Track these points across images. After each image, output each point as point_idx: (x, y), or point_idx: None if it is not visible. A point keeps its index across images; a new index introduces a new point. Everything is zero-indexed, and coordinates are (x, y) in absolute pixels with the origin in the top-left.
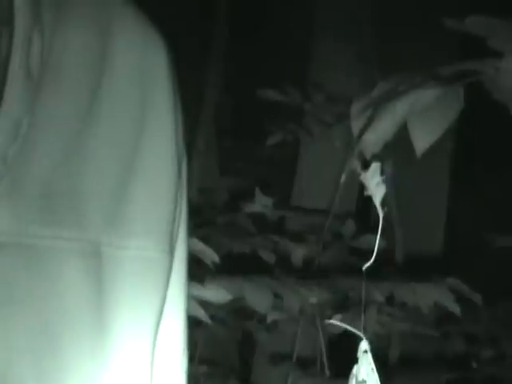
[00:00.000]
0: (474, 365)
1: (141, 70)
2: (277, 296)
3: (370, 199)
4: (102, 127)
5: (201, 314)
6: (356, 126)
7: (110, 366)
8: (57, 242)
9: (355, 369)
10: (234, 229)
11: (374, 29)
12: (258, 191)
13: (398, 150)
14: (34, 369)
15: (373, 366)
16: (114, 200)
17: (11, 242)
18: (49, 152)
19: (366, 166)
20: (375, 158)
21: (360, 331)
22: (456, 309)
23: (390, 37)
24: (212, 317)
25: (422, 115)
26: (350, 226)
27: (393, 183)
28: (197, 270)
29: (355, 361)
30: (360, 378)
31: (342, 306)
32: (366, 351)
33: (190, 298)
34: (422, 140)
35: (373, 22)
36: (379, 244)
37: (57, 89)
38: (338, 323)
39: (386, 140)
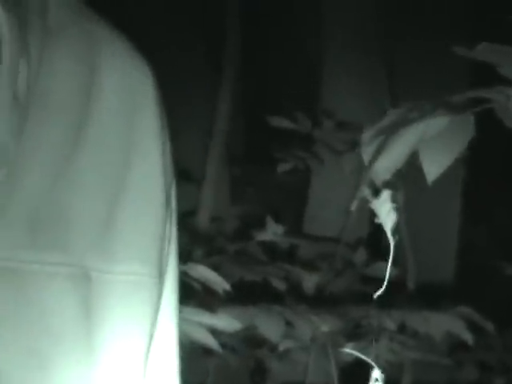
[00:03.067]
0: None
1: (128, 97)
2: (288, 324)
3: (381, 227)
4: (90, 154)
5: (212, 342)
6: (367, 153)
7: None
8: (44, 267)
9: None
10: (245, 257)
11: (386, 57)
12: (269, 219)
13: (409, 177)
14: None
15: None
16: (101, 225)
17: None
18: (37, 178)
19: (377, 193)
20: (386, 185)
21: (372, 359)
22: (468, 337)
23: (402, 64)
24: (223, 345)
25: (433, 143)
26: (361, 254)
27: (404, 211)
28: (208, 299)
29: None
30: None
31: (353, 334)
32: (377, 380)
33: (201, 327)
34: (433, 168)
35: (384, 50)
36: (391, 272)
37: (44, 115)
38: (350, 351)
39: (396, 167)
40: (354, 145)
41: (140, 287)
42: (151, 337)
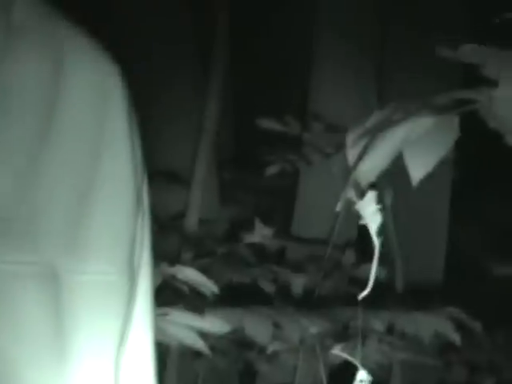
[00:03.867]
0: None
1: (95, 95)
2: (277, 326)
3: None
4: (58, 153)
5: (201, 345)
6: (351, 154)
7: None
8: (13, 266)
9: None
10: (234, 259)
11: (373, 58)
12: (257, 221)
13: (396, 178)
14: None
15: None
16: (71, 225)
17: None
18: (3, 176)
19: (362, 194)
20: (371, 186)
21: (359, 361)
22: (456, 338)
23: (390, 66)
24: (212, 348)
25: (418, 144)
26: (350, 256)
27: (392, 211)
28: (197, 301)
29: None
30: None
31: (342, 335)
32: (361, 381)
33: (190, 330)
34: (418, 169)
35: (372, 52)
36: (380, 273)
37: (9, 113)
38: (339, 353)
39: (381, 169)
40: (343, 147)
41: (110, 287)
42: (123, 337)
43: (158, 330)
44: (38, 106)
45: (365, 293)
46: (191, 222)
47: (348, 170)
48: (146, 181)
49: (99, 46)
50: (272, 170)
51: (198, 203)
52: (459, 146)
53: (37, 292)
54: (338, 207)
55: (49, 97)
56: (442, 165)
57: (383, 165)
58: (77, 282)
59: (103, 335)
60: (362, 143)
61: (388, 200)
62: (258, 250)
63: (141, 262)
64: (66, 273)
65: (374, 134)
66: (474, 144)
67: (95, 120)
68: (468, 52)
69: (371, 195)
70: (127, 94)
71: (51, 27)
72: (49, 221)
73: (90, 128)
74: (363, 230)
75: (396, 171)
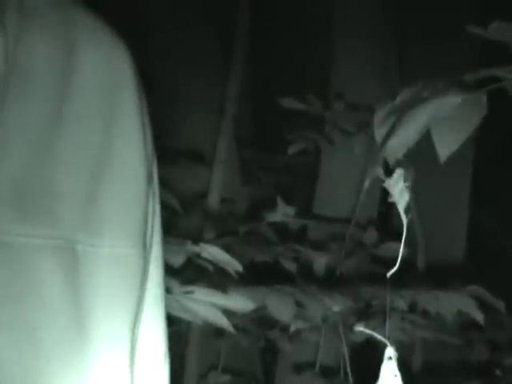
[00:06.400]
0: (498, 372)
1: (107, 77)
2: (299, 305)
3: (391, 207)
4: (72, 131)
5: (225, 323)
6: (379, 133)
7: (89, 358)
8: (31, 240)
9: (380, 376)
10: (256, 238)
11: (396, 36)
12: (279, 200)
13: (419, 157)
14: (14, 362)
15: (396, 372)
16: (86, 200)
17: None
18: (18, 151)
19: (389, 173)
20: (398, 164)
21: (385, 338)
22: (479, 316)
23: (412, 44)
24: (235, 326)
25: (445, 122)
26: (371, 234)
27: (414, 190)
28: (220, 280)
29: (378, 369)
30: None
31: (364, 314)
32: (390, 358)
33: (214, 308)
34: (446, 146)
35: (395, 30)
36: (402, 252)
37: (24, 93)
38: (364, 330)
39: (408, 147)
40: (365, 126)
41: (125, 261)
42: (138, 311)
43: (182, 308)
44: (52, 86)
45: (392, 271)
46: (213, 201)
47: (370, 149)
48: (155, 162)
49: (111, 30)
50: (294, 149)
51: (220, 182)
52: (486, 123)
53: (54, 264)
54: (366, 185)
55: (62, 78)
56: (465, 144)
57: (411, 142)
58: (93, 254)
59: (120, 305)
60: (390, 121)
61: (410, 178)
62: (280, 229)
63: (152, 242)
64: (82, 246)
65: (401, 113)
66: (501, 121)
67: (107, 100)
68: (496, 30)
69: (399, 173)
70: (137, 75)
71: (63, 10)
72: (64, 196)
73: (103, 107)
74: (385, 209)
75: (418, 150)
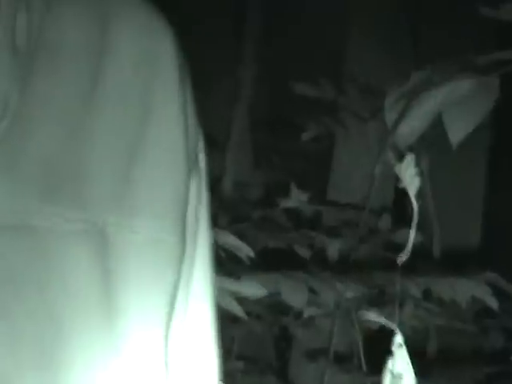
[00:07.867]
0: None
1: (145, 56)
2: (312, 291)
3: (406, 193)
4: (106, 111)
5: (237, 309)
6: (390, 117)
7: (119, 350)
8: (59, 223)
9: (390, 363)
10: (270, 224)
11: (409, 20)
12: (293, 186)
13: (434, 143)
14: (37, 352)
15: (408, 359)
16: (119, 182)
17: (11, 221)
18: (47, 130)
19: (400, 158)
20: (410, 149)
21: (396, 326)
22: (494, 303)
23: (427, 28)
24: (248, 313)
25: (458, 106)
26: (386, 220)
27: (429, 176)
28: (233, 266)
29: (391, 356)
30: (395, 372)
31: (378, 300)
32: (400, 345)
33: (226, 294)
34: (458, 131)
35: (407, 14)
36: (416, 238)
37: (53, 69)
38: (373, 317)
39: (420, 131)
40: (378, 111)
41: (159, 245)
42: (174, 297)
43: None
44: (83, 62)
45: (404, 258)
46: (227, 186)
47: (384, 135)
48: (201, 145)
49: (152, 7)
50: (308, 135)
51: (234, 167)
52: (498, 108)
53: (83, 249)
54: (377, 170)
55: (94, 55)
56: (479, 129)
57: (422, 127)
58: (125, 238)
59: (153, 293)
60: (401, 106)
61: (424, 164)
62: (294, 215)
63: (198, 228)
64: (114, 228)
65: (412, 97)
66: None
67: (144, 81)
68: (510, 11)
69: (410, 158)
70: (180, 56)
71: None
72: (96, 178)
73: (139, 89)
74: (399, 195)
75: (433, 136)
